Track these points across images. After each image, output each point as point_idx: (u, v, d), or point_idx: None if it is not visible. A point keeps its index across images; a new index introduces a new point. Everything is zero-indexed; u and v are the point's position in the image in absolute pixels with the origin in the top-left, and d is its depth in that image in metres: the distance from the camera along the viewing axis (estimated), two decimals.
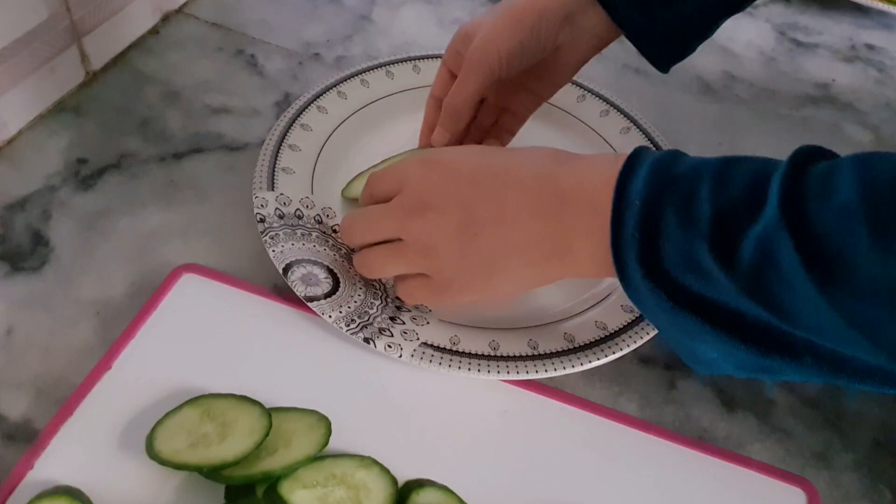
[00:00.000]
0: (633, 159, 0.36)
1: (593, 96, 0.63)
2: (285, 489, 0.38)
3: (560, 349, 0.46)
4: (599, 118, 0.62)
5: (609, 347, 0.46)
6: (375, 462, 0.40)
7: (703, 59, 0.74)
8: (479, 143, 0.56)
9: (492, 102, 0.54)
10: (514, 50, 0.48)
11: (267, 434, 0.39)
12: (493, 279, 0.42)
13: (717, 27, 0.51)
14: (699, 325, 0.34)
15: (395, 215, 0.43)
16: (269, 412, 0.41)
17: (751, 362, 0.35)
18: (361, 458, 0.40)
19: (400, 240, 0.43)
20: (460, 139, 0.53)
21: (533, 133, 0.61)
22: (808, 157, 0.32)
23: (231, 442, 0.39)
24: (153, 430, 0.40)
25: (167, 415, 0.41)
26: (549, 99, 0.55)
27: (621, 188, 0.35)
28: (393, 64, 0.64)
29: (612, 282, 0.51)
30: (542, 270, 0.41)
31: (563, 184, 0.39)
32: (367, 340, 0.45)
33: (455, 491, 0.41)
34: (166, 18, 0.70)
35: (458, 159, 0.43)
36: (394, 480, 0.40)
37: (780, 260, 0.30)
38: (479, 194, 0.41)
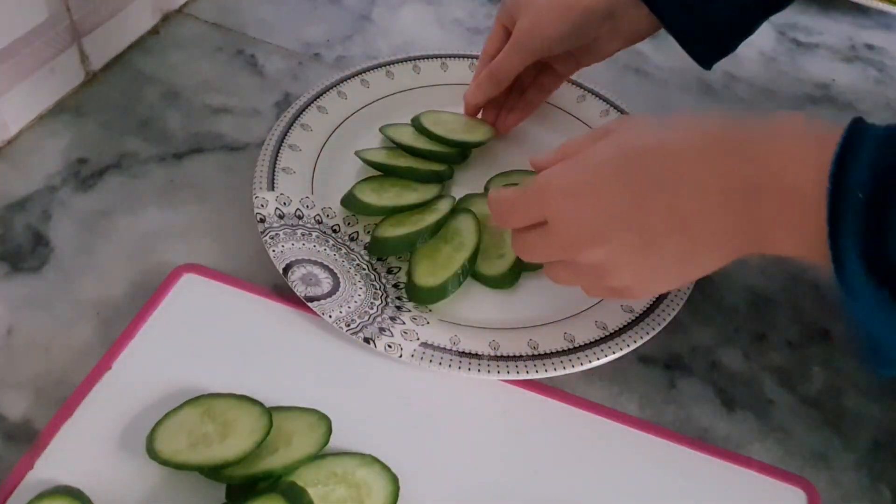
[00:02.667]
0: (849, 142, 0.32)
1: (593, 96, 0.63)
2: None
3: (560, 349, 0.46)
4: (599, 118, 0.62)
5: (609, 347, 0.46)
6: (376, 460, 0.40)
7: None
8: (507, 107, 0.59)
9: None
10: (557, 38, 0.51)
11: (268, 433, 0.39)
12: (685, 276, 0.40)
13: (758, 26, 0.53)
14: None
15: (557, 250, 0.40)
16: (270, 412, 0.41)
17: None
18: (362, 456, 0.40)
19: None
20: (495, 100, 0.58)
21: (533, 133, 0.61)
22: None
23: (232, 441, 0.39)
24: (153, 429, 0.40)
25: (167, 415, 0.41)
26: (555, 91, 0.59)
27: (838, 180, 0.31)
28: (393, 64, 0.64)
29: None
30: (741, 255, 0.38)
31: (751, 174, 0.34)
32: (367, 340, 0.45)
33: (455, 491, 0.41)
34: (166, 18, 0.70)
35: (599, 176, 0.39)
36: (394, 478, 0.40)
37: None
38: (648, 211, 0.37)
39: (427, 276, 0.49)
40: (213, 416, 0.41)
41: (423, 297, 0.48)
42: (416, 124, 0.58)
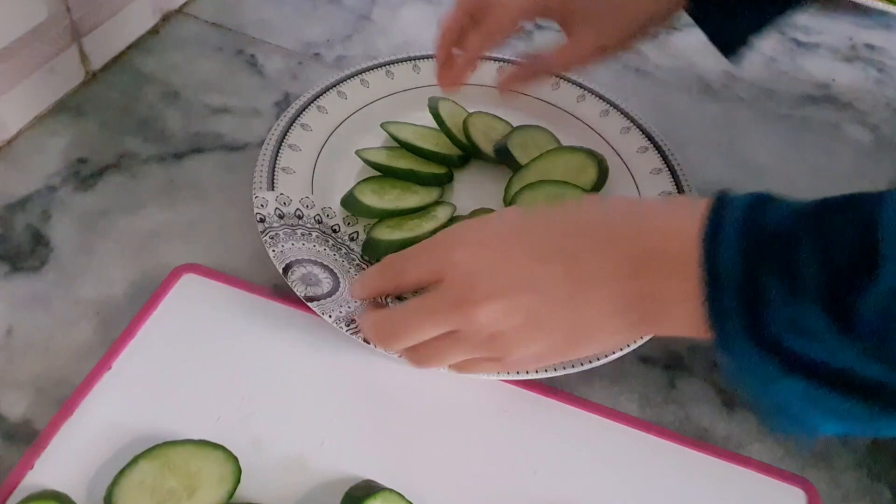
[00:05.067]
0: (716, 219, 0.33)
1: (593, 96, 0.63)
2: None
3: None
4: (599, 118, 0.62)
5: None
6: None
7: (703, 59, 0.74)
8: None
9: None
10: (612, 47, 0.52)
11: (238, 480, 0.38)
12: (577, 348, 0.39)
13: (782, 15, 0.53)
14: (812, 387, 0.31)
15: (447, 309, 0.38)
16: (234, 455, 0.39)
17: (865, 422, 0.32)
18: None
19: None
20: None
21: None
22: None
23: (202, 495, 0.37)
24: (110, 492, 0.37)
25: (121, 473, 0.38)
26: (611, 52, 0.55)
27: (711, 258, 0.32)
28: (393, 64, 0.64)
29: None
30: (634, 332, 0.38)
31: (645, 242, 0.35)
32: (367, 340, 0.45)
33: (455, 491, 0.41)
34: (166, 18, 0.70)
35: (504, 233, 0.39)
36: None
37: None
38: (550, 268, 0.37)
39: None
40: (174, 469, 0.38)
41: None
42: (433, 109, 0.58)
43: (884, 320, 0.29)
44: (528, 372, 0.44)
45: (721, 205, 0.33)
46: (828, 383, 0.31)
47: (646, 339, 0.46)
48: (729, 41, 0.53)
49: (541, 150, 0.57)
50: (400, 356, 0.43)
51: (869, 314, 0.29)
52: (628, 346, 0.46)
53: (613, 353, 0.45)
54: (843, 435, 0.34)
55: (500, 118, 0.60)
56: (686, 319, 0.34)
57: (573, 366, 0.45)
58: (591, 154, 0.57)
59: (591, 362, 0.45)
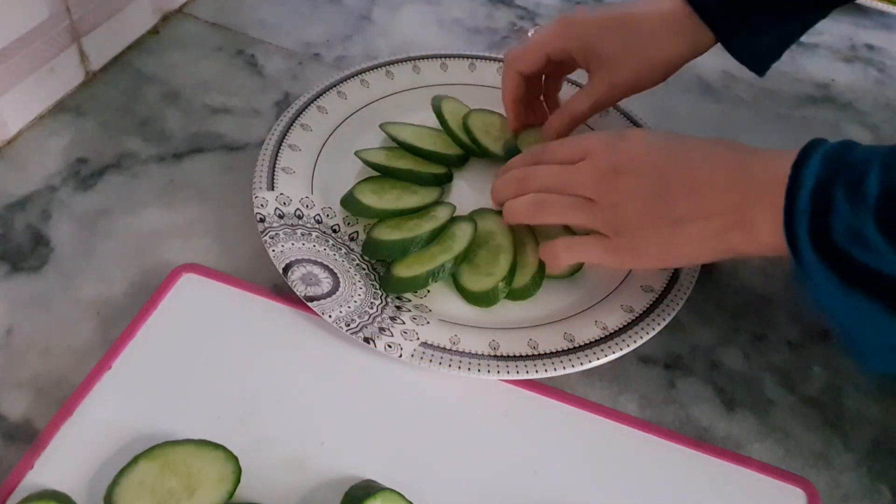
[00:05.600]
0: (810, 147, 0.38)
1: None
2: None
3: (560, 349, 0.46)
4: (599, 118, 0.62)
5: (609, 347, 0.46)
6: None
7: (703, 59, 0.74)
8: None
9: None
10: (635, 91, 0.55)
11: (238, 480, 0.38)
12: (673, 246, 0.44)
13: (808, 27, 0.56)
14: (869, 301, 0.36)
15: (589, 174, 0.46)
16: (234, 455, 0.39)
17: None
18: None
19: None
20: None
21: None
22: None
23: (202, 494, 0.37)
24: (110, 492, 0.37)
25: (121, 473, 0.38)
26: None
27: (797, 168, 0.37)
28: (393, 64, 0.64)
29: (611, 282, 0.51)
30: (721, 241, 0.42)
31: (752, 163, 0.41)
32: (367, 340, 0.45)
33: (455, 491, 0.41)
34: (166, 18, 0.70)
35: (647, 135, 0.47)
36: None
37: None
38: (675, 165, 0.43)
39: (404, 268, 0.49)
40: (174, 469, 0.38)
41: (393, 285, 0.49)
42: (436, 108, 0.58)
43: None
44: (528, 371, 0.44)
45: (816, 141, 0.39)
46: (882, 296, 0.35)
47: (646, 339, 0.46)
48: (759, 60, 0.55)
49: None
50: (517, 201, 0.49)
51: None
52: (628, 346, 0.46)
53: (618, 350, 0.46)
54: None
55: (498, 113, 0.60)
56: (773, 229, 0.38)
57: (573, 366, 0.45)
58: None
59: (591, 362, 0.45)
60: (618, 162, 0.45)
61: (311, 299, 0.46)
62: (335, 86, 0.61)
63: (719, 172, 0.42)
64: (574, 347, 0.46)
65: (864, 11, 0.82)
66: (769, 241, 0.40)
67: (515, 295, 0.50)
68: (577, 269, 0.51)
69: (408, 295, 0.49)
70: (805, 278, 0.38)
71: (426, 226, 0.51)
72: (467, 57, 0.65)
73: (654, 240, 0.44)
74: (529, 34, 0.54)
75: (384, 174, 0.55)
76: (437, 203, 0.54)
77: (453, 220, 0.52)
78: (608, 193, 0.45)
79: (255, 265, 0.51)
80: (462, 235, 0.51)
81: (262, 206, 0.51)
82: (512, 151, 0.57)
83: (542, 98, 0.60)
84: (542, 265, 0.50)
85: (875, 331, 0.37)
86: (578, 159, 0.47)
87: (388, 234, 0.50)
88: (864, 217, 0.34)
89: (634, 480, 0.43)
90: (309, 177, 0.55)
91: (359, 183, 0.54)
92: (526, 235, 0.52)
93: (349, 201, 0.53)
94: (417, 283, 0.48)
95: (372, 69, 0.63)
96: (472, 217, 0.53)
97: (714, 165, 0.42)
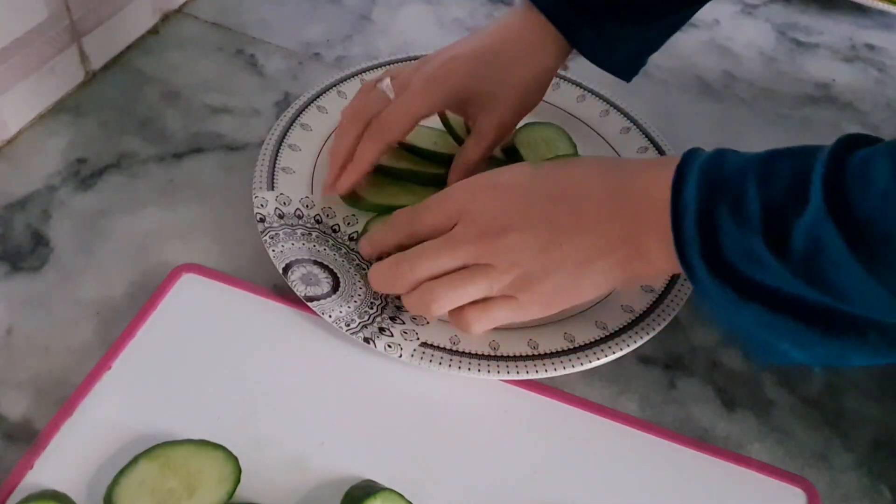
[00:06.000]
0: (684, 165, 0.38)
1: (593, 96, 0.63)
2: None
3: (560, 349, 0.46)
4: (599, 118, 0.62)
5: (609, 347, 0.46)
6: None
7: (703, 59, 0.74)
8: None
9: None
10: (518, 123, 0.54)
11: (238, 480, 0.38)
12: (581, 287, 0.43)
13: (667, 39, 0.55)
14: (766, 313, 0.36)
15: (471, 241, 0.42)
16: (234, 455, 0.39)
17: (820, 348, 0.37)
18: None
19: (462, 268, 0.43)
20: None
21: None
22: (847, 146, 0.34)
23: (202, 495, 0.37)
24: (110, 492, 0.37)
25: (121, 473, 0.38)
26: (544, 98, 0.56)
27: (677, 194, 0.38)
28: (393, 64, 0.64)
29: None
30: (626, 271, 0.42)
31: (632, 189, 0.41)
32: (367, 340, 0.45)
33: (455, 491, 0.41)
34: (166, 18, 0.70)
35: (517, 180, 0.44)
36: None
37: (828, 246, 0.32)
38: (558, 209, 0.42)
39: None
40: (174, 469, 0.38)
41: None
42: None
43: (810, 248, 0.33)
44: (528, 371, 0.44)
45: (689, 156, 0.39)
46: (780, 309, 0.36)
47: (646, 339, 0.46)
48: (624, 67, 0.55)
49: (549, 146, 0.57)
50: (409, 295, 0.44)
51: (798, 244, 0.33)
52: (628, 346, 0.46)
53: (618, 350, 0.45)
54: (808, 363, 0.40)
55: None
56: (668, 253, 0.38)
57: (573, 366, 0.45)
58: None
59: (591, 362, 0.45)
60: (495, 218, 0.42)
61: (311, 299, 0.46)
62: (335, 86, 0.61)
63: (603, 204, 0.41)
64: (574, 347, 0.46)
65: (864, 11, 0.82)
66: (665, 268, 0.40)
67: None
68: None
69: None
70: (704, 297, 0.38)
71: None
72: None
73: (561, 286, 0.43)
74: (384, 87, 0.51)
75: (384, 174, 0.55)
76: None
77: None
78: (499, 255, 0.42)
79: (255, 265, 0.51)
80: None
81: (262, 205, 0.51)
82: (510, 151, 0.57)
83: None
84: None
85: (769, 336, 0.38)
86: (453, 224, 0.43)
87: None
88: (751, 237, 0.35)
89: (634, 480, 0.43)
90: (309, 177, 0.55)
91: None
92: None
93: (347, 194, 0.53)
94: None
95: (372, 69, 0.63)
96: None
97: (596, 197, 0.42)
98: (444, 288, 0.43)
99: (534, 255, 0.42)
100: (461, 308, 0.44)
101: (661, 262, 0.40)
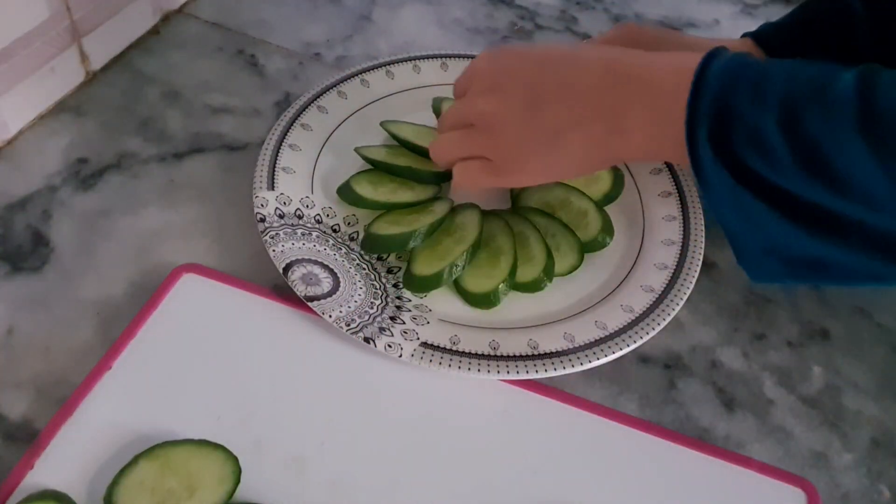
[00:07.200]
0: (714, 52, 0.39)
1: None
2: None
3: (560, 349, 0.46)
4: None
5: (609, 347, 0.46)
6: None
7: None
8: None
9: None
10: None
11: (238, 480, 0.38)
12: (552, 156, 0.43)
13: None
14: (757, 205, 0.37)
15: (468, 100, 0.46)
16: (234, 455, 0.39)
17: (803, 249, 0.38)
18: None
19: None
20: None
21: None
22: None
23: (201, 495, 0.37)
24: (110, 491, 0.37)
25: (121, 473, 0.38)
26: None
27: (702, 70, 0.38)
28: (393, 64, 0.64)
29: (611, 282, 0.51)
30: (603, 149, 0.42)
31: (629, 64, 0.41)
32: (367, 340, 0.45)
33: (455, 491, 0.41)
34: (166, 18, 0.70)
35: (527, 48, 0.47)
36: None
37: (844, 130, 0.34)
38: (545, 73, 0.43)
39: (424, 265, 0.49)
40: (174, 469, 0.38)
41: (417, 284, 0.49)
42: (436, 109, 0.58)
43: (821, 129, 0.34)
44: (528, 371, 0.44)
45: (719, 49, 0.39)
46: (772, 202, 0.37)
47: (646, 339, 0.46)
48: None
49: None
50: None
51: (811, 126, 0.34)
52: (628, 346, 0.46)
53: (618, 350, 0.45)
54: (788, 281, 0.42)
55: None
56: (651, 133, 0.39)
57: (573, 366, 0.45)
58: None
59: (591, 362, 0.45)
60: (492, 79, 0.45)
61: (312, 299, 0.46)
62: (335, 86, 0.61)
63: (592, 77, 0.42)
64: (574, 347, 0.46)
65: None
66: (642, 145, 0.41)
67: (528, 288, 0.50)
68: (576, 266, 0.51)
69: (408, 294, 0.49)
70: (700, 182, 0.39)
71: (425, 219, 0.51)
72: (467, 57, 0.65)
73: (534, 154, 0.43)
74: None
75: (384, 171, 0.55)
76: (435, 199, 0.54)
77: (454, 210, 0.52)
78: (481, 114, 0.45)
79: (255, 265, 0.51)
80: (471, 223, 0.51)
81: (262, 205, 0.51)
82: None
83: None
84: (550, 257, 0.50)
85: (755, 231, 0.39)
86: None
87: (387, 228, 0.51)
88: (764, 116, 0.35)
89: (634, 480, 0.43)
90: (309, 176, 0.55)
91: (357, 173, 0.54)
92: (528, 228, 0.52)
93: (345, 190, 0.53)
94: (440, 280, 0.49)
95: (372, 69, 0.63)
96: (473, 203, 0.53)
97: (588, 69, 0.42)
98: (443, 142, 0.48)
99: (510, 118, 0.43)
100: (453, 166, 0.48)
101: (640, 142, 0.41)
